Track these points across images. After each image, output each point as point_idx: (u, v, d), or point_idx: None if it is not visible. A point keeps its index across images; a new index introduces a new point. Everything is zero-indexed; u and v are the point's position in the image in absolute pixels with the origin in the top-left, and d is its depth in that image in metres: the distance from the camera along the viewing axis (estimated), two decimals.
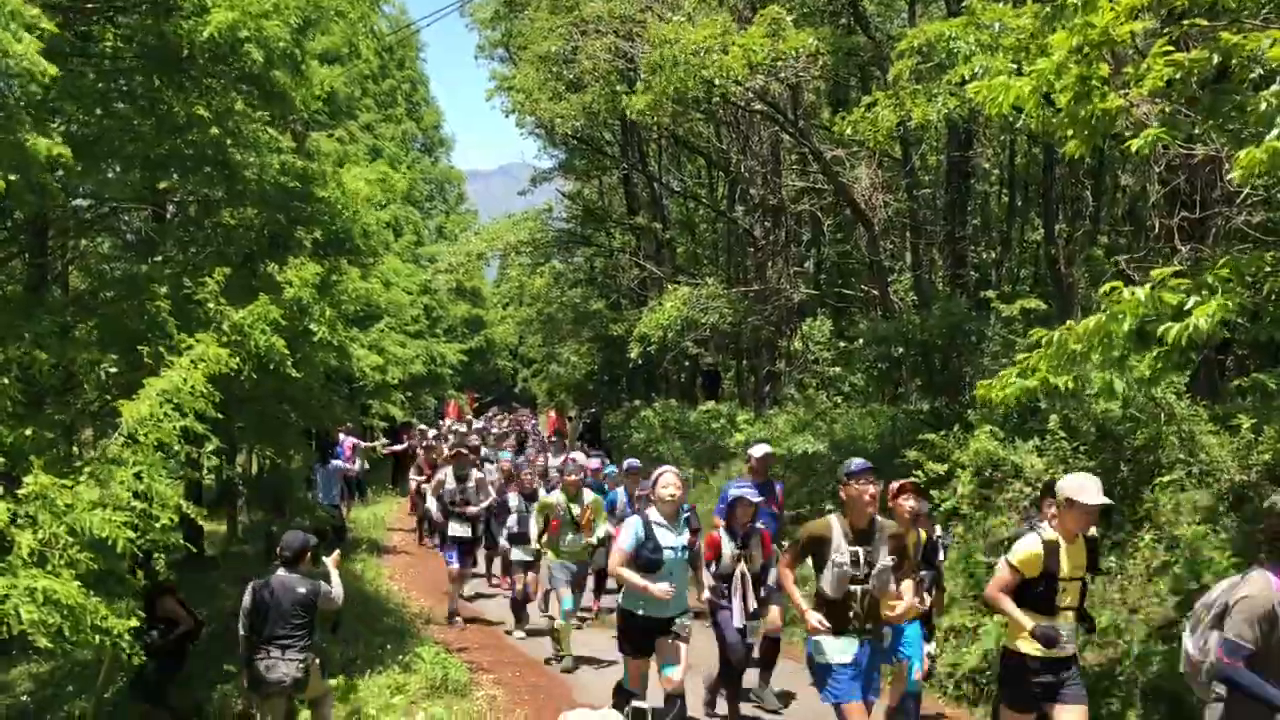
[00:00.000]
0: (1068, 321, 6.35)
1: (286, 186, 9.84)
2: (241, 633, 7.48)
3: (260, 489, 18.76)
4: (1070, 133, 6.30)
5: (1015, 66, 8.60)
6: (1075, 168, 16.08)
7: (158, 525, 6.62)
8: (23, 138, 6.66)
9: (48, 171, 6.99)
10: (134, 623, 6.42)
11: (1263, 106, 5.31)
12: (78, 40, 8.50)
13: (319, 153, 10.87)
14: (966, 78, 9.04)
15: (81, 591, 5.91)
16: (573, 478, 10.92)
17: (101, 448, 6.88)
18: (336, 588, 7.73)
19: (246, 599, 7.48)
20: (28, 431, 6.65)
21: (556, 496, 10.75)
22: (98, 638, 6.08)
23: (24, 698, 13.29)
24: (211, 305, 7.96)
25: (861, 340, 14.98)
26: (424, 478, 17.02)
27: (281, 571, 7.52)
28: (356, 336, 19.54)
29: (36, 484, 5.93)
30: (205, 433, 7.12)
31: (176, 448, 6.90)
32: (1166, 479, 8.86)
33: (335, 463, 16.04)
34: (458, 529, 12.51)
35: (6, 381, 6.61)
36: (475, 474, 13.26)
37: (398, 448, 23.97)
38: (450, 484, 12.88)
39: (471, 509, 12.66)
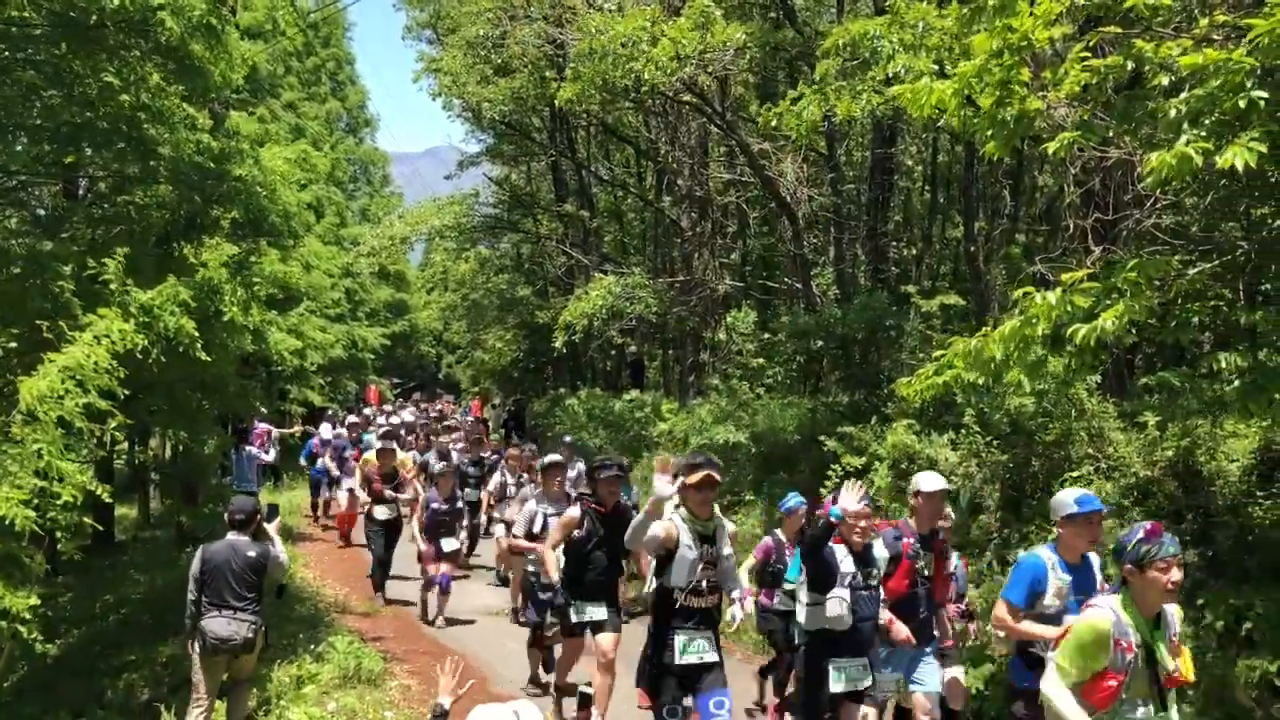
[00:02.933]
0: (984, 328, 6.47)
1: (203, 165, 9.61)
2: (191, 597, 7.48)
3: (172, 474, 18.29)
4: (990, 134, 6.39)
5: (937, 67, 8.75)
6: (995, 167, 16.39)
7: (58, 504, 6.44)
8: None
9: None
10: (35, 601, 6.24)
11: (1172, 113, 5.44)
12: None
13: (238, 133, 10.62)
14: (890, 76, 9.15)
15: None
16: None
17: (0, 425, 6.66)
18: (282, 553, 7.87)
19: (195, 563, 7.51)
20: None
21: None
22: None
23: None
24: (115, 285, 7.72)
25: (783, 333, 15.10)
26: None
27: (231, 535, 7.60)
28: (274, 320, 19.16)
29: None
30: (109, 409, 6.94)
31: (79, 425, 6.72)
32: (1075, 474, 9.07)
33: (250, 448, 15.72)
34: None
35: None
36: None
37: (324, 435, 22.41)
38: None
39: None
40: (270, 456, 16.90)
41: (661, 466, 5.89)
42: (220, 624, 7.34)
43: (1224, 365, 6.65)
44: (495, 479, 13.38)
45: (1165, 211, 8.92)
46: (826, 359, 14.83)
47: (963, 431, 10.52)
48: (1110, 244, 9.38)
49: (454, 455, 16.01)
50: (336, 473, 17.59)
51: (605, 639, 7.36)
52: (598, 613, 7.48)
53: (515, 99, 22.21)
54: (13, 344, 7.88)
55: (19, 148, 8.74)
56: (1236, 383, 6.38)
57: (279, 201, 10.58)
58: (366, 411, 26.36)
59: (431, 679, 8.98)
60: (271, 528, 8.13)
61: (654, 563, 6.20)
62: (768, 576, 8.29)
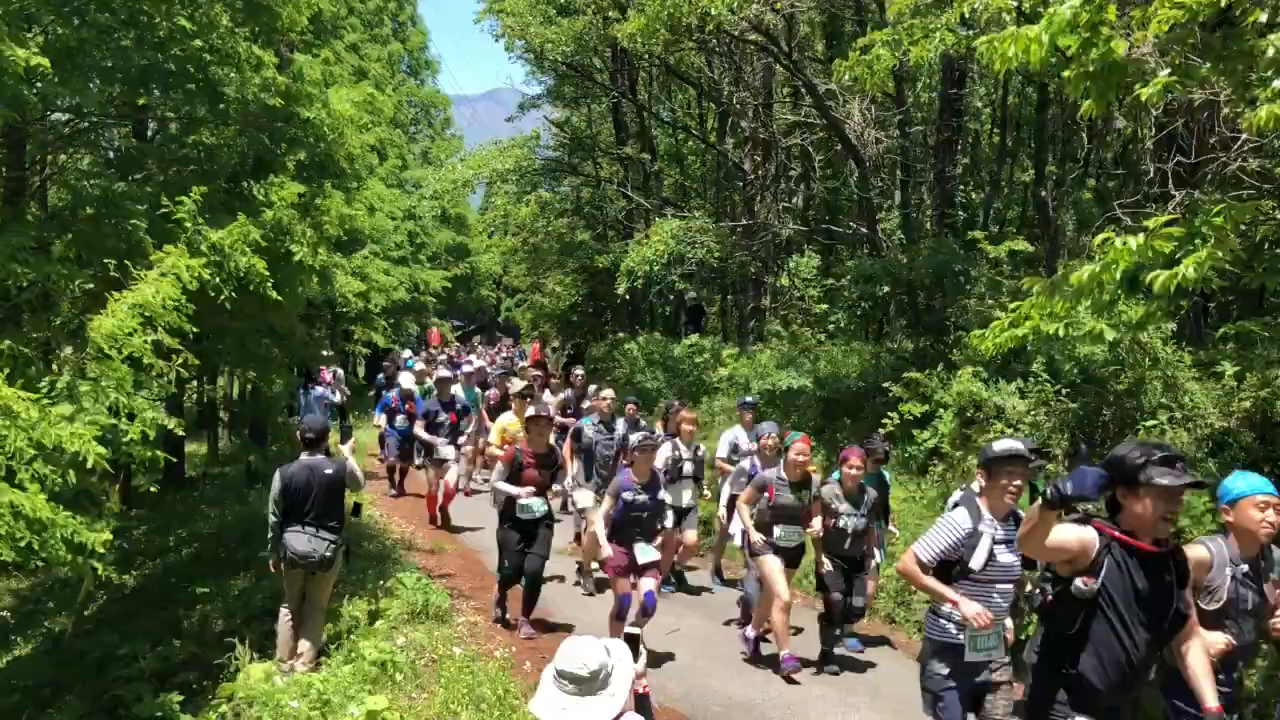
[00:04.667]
0: (1060, 270, 6.31)
1: (270, 106, 9.64)
2: (272, 519, 7.73)
3: (241, 413, 18.71)
4: (1083, 91, 6.15)
5: (1015, 3, 8.46)
6: (1068, 109, 15.95)
7: (127, 439, 6.58)
8: None
9: (24, 83, 6.81)
10: (107, 536, 6.42)
11: (1270, 51, 5.22)
12: None
13: (304, 77, 10.63)
14: (966, 16, 8.87)
15: (51, 507, 5.87)
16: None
17: (72, 362, 6.81)
18: (357, 469, 8.14)
19: (275, 484, 7.73)
20: (2, 345, 6.55)
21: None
22: (70, 554, 6.07)
23: (4, 612, 13.38)
24: (189, 224, 7.82)
25: (848, 278, 14.92)
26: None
27: (305, 455, 7.83)
28: (340, 262, 19.34)
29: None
30: (178, 347, 7.06)
31: (148, 361, 6.84)
32: (1149, 424, 8.90)
33: (318, 389, 15.98)
34: None
35: None
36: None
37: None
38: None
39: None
40: (338, 397, 17.16)
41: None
42: (301, 540, 7.61)
43: None
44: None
45: (1251, 155, 8.61)
46: (891, 305, 14.64)
47: (1031, 380, 10.36)
48: (1192, 188, 9.10)
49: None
50: (429, 438, 13.30)
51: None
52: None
53: (577, 40, 22.00)
54: (89, 285, 8.03)
55: (92, 89, 8.82)
56: None
57: (345, 144, 10.61)
58: (441, 359, 26.20)
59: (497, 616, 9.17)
60: (346, 448, 8.46)
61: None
62: None
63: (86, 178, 10.66)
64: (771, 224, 18.90)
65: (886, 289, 13.87)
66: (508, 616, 9.07)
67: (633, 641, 5.94)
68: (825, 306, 15.54)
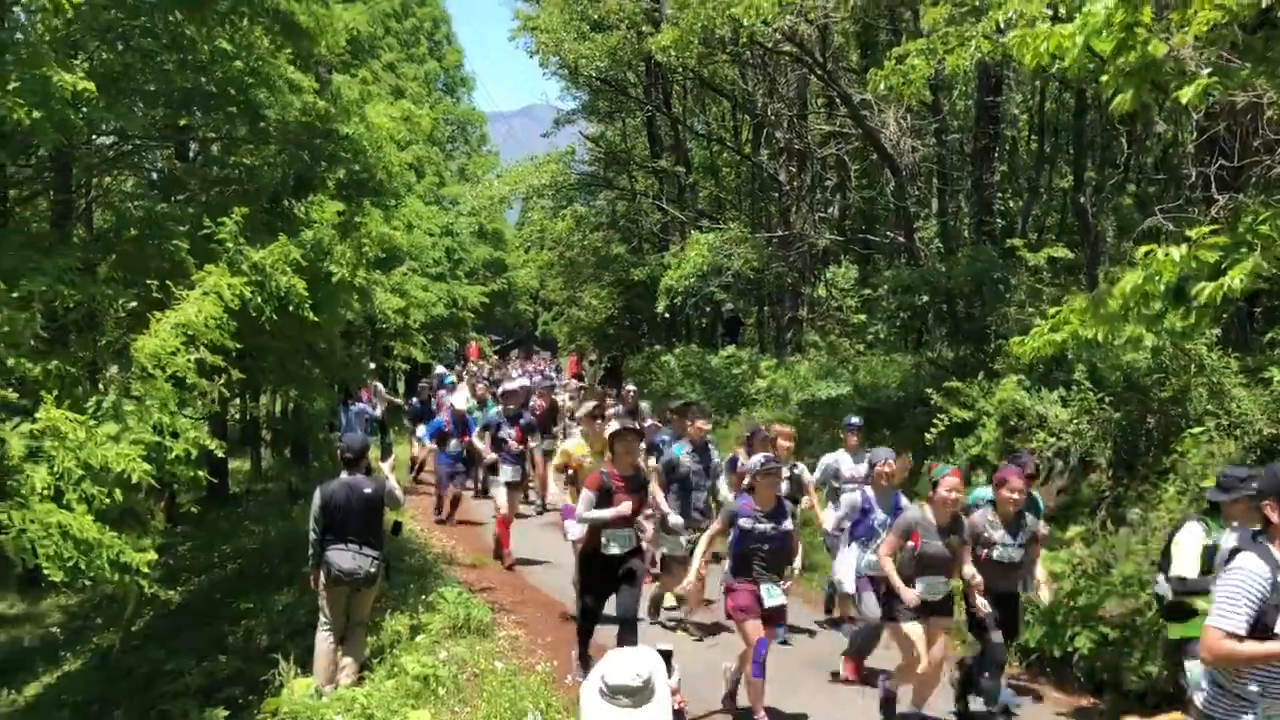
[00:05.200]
0: (1101, 278, 6.24)
1: (310, 125, 9.76)
2: (313, 535, 7.77)
3: (283, 430, 18.91)
4: (1117, 88, 6.09)
5: (1051, 12, 8.40)
6: (1107, 114, 15.80)
7: (170, 457, 6.66)
8: (46, 73, 6.60)
9: (71, 107, 6.94)
10: (152, 556, 6.50)
11: None
12: None
13: (342, 97, 10.77)
14: (1001, 24, 8.82)
15: (98, 527, 5.95)
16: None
17: (118, 382, 6.91)
18: (396, 488, 8.17)
19: (316, 502, 7.76)
20: (50, 365, 6.67)
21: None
22: (116, 574, 6.15)
23: (54, 629, 13.59)
24: (231, 245, 7.93)
25: (886, 287, 14.85)
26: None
27: (345, 474, 7.83)
28: (379, 280, 19.52)
29: (47, 417, 5.97)
30: (221, 365, 7.15)
31: (191, 380, 6.93)
32: (1195, 431, 8.77)
33: (357, 404, 16.12)
34: None
35: (28, 316, 6.62)
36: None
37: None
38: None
39: None
40: (378, 410, 17.28)
41: None
42: (345, 557, 7.61)
43: None
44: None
45: None
46: (930, 314, 14.54)
47: (1074, 388, 10.24)
48: (1235, 192, 8.97)
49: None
50: (482, 447, 12.27)
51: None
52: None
53: (611, 55, 22.11)
54: (132, 303, 8.17)
55: (136, 112, 8.99)
56: None
57: (384, 159, 10.71)
58: (477, 371, 26.14)
59: (539, 630, 9.19)
60: (386, 465, 8.53)
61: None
62: None
63: (131, 199, 10.85)
64: (808, 234, 18.86)
65: (925, 298, 13.78)
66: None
67: (666, 656, 5.82)
68: (864, 317, 15.48)
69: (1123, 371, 10.17)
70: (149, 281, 7.66)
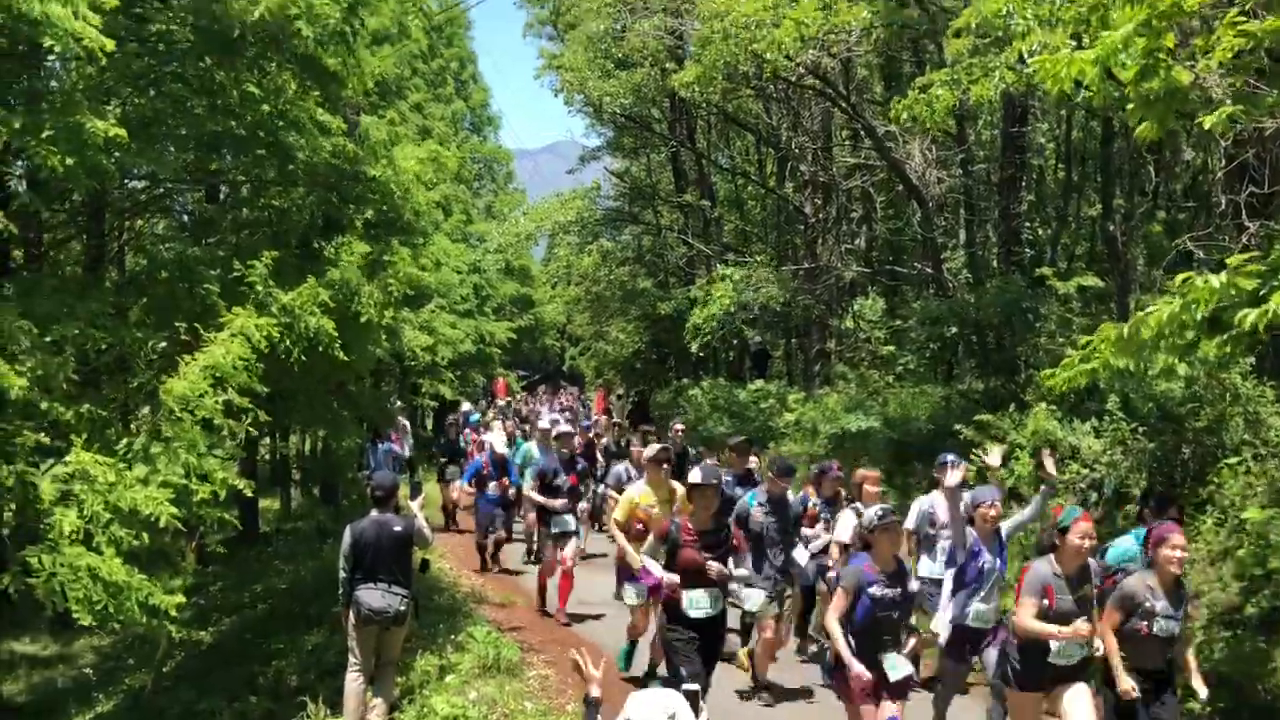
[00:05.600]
0: (1132, 307, 6.17)
1: (339, 167, 9.87)
2: (343, 574, 7.77)
3: (312, 470, 18.98)
4: (1141, 115, 6.06)
5: (1075, 43, 8.39)
6: (1135, 142, 15.71)
7: (196, 500, 6.69)
8: (80, 120, 6.71)
9: (104, 153, 7.05)
10: (180, 600, 6.51)
11: None
12: (133, 22, 8.55)
13: (370, 138, 10.89)
14: (1025, 54, 8.83)
15: (127, 570, 5.98)
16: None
17: (147, 424, 6.96)
18: (425, 527, 8.17)
19: (346, 541, 7.78)
20: (82, 409, 6.72)
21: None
22: (145, 616, 6.16)
23: (86, 670, 13.63)
24: (260, 288, 8.00)
25: (914, 319, 14.78)
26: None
27: (375, 513, 7.84)
28: (407, 318, 19.61)
29: (77, 461, 6.02)
30: (248, 406, 7.18)
31: (219, 422, 6.96)
32: (1231, 461, 8.64)
33: (386, 444, 16.18)
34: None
35: (61, 360, 6.69)
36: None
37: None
38: None
39: None
40: (405, 450, 17.33)
41: None
42: (375, 596, 7.60)
43: None
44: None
45: None
46: (960, 345, 14.45)
47: (1106, 418, 10.13)
48: (1266, 219, 8.89)
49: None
50: (541, 499, 10.96)
51: None
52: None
53: (635, 92, 22.27)
54: (162, 345, 8.25)
55: (167, 156, 9.12)
56: None
57: (411, 201, 10.80)
58: (503, 407, 25.98)
59: (569, 669, 9.10)
60: (415, 504, 8.48)
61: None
62: None
63: (162, 241, 10.99)
64: (834, 266, 18.84)
65: (954, 329, 13.70)
66: None
67: (693, 699, 5.57)
68: (892, 348, 15.40)
69: (1156, 401, 10.05)
70: (178, 324, 7.73)
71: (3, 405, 6.46)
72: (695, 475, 6.97)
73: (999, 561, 7.00)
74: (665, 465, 8.77)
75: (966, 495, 7.39)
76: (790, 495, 8.71)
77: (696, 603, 6.75)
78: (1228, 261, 5.41)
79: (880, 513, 6.22)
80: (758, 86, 19.21)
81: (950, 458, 8.67)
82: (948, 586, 7.16)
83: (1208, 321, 5.61)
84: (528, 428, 16.47)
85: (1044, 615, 5.76)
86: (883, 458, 13.88)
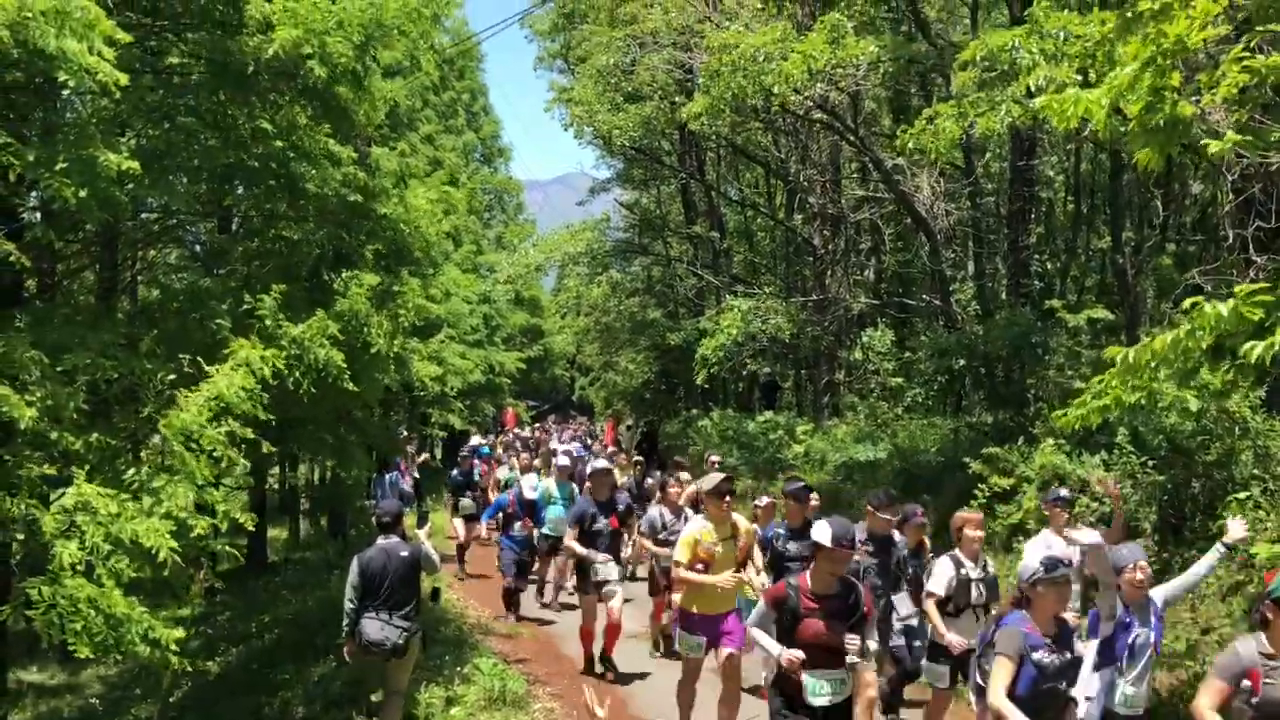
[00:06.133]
0: (1142, 339, 6.16)
1: (349, 201, 9.95)
2: (350, 605, 7.77)
3: (320, 499, 18.95)
4: (1142, 143, 6.11)
5: (1080, 77, 8.45)
6: (1143, 175, 15.77)
7: (192, 535, 6.69)
8: (93, 153, 6.78)
9: (117, 185, 7.12)
10: (180, 634, 6.51)
11: None
12: (147, 56, 8.67)
13: (380, 169, 11.00)
14: (1031, 89, 8.88)
15: (128, 602, 5.98)
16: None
17: (151, 456, 6.98)
18: (433, 553, 8.14)
19: (353, 571, 7.79)
20: (91, 439, 6.75)
21: None
22: (146, 648, 6.16)
23: (93, 700, 13.60)
24: (270, 321, 8.05)
25: (923, 352, 14.78)
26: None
27: (381, 540, 7.88)
28: (416, 348, 19.67)
29: (78, 494, 6.04)
30: (254, 437, 7.20)
31: (220, 453, 6.97)
32: (1240, 495, 8.59)
33: (391, 474, 16.18)
34: None
35: (71, 390, 6.72)
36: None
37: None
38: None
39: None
40: (408, 483, 17.29)
41: None
42: (374, 627, 7.61)
43: None
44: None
45: None
46: (969, 378, 14.43)
47: (1115, 451, 10.09)
48: (1274, 254, 8.89)
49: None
50: (585, 552, 9.88)
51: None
52: None
53: (645, 124, 22.42)
54: (171, 377, 8.29)
55: (180, 188, 9.21)
56: None
57: (421, 236, 10.88)
58: (509, 439, 25.69)
59: (575, 700, 9.08)
60: (422, 533, 8.52)
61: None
62: None
63: (175, 271, 11.07)
64: (843, 298, 18.87)
65: (963, 362, 13.70)
66: None
67: None
68: (901, 381, 15.40)
69: (1165, 435, 10.02)
70: (182, 356, 7.76)
71: (11, 435, 6.50)
72: (823, 533, 5.57)
73: (1153, 634, 5.81)
74: (728, 498, 7.68)
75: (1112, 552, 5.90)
76: (892, 536, 7.88)
77: (819, 689, 5.55)
78: (1235, 290, 5.42)
79: (1046, 564, 5.32)
80: (766, 119, 19.34)
81: (1062, 494, 8.11)
82: (1090, 660, 5.81)
83: (1212, 350, 5.61)
84: (538, 460, 15.20)
85: (1248, 703, 4.64)
86: (892, 488, 13.87)
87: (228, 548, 7.34)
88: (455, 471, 16.45)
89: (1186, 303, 5.74)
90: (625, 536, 10.50)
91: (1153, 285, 17.03)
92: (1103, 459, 10.24)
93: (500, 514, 13.24)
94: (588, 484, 10.58)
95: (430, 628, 10.87)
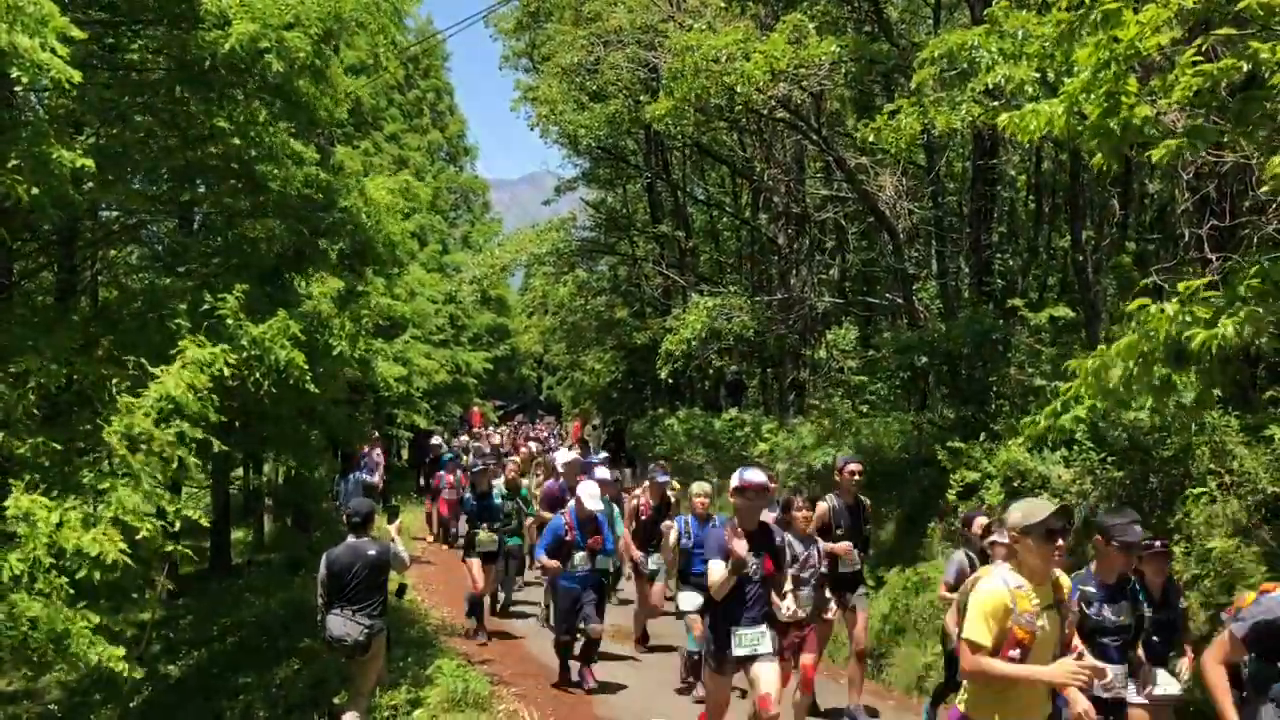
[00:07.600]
0: (1100, 346, 6.22)
1: (311, 197, 9.88)
2: (319, 601, 7.87)
3: (285, 500, 18.76)
4: (1096, 144, 6.19)
5: (1039, 75, 8.52)
6: (1102, 175, 15.92)
7: (138, 536, 6.60)
8: (47, 151, 6.70)
9: (72, 184, 7.03)
10: (121, 652, 6.41)
11: None
12: (106, 53, 8.57)
13: (343, 167, 10.93)
14: (990, 86, 8.95)
15: (69, 614, 5.89)
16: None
17: (98, 461, 6.89)
18: (402, 550, 8.23)
19: (322, 569, 7.86)
20: (38, 441, 6.65)
21: None
22: (94, 657, 6.08)
23: (52, 706, 13.43)
24: (231, 321, 7.98)
25: (886, 349, 14.87)
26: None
27: (351, 538, 7.94)
28: (380, 348, 19.54)
29: (16, 506, 5.94)
30: (201, 437, 7.13)
31: (169, 454, 6.89)
32: (1197, 491, 8.71)
33: (357, 474, 16.09)
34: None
35: (20, 393, 6.63)
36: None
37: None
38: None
39: None
40: (376, 478, 17.19)
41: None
42: (337, 623, 7.67)
43: None
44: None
45: None
46: (931, 375, 14.53)
47: (1076, 448, 10.19)
48: (1229, 252, 9.01)
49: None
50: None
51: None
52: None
53: (610, 124, 22.40)
54: (128, 381, 8.18)
55: (136, 186, 9.11)
56: None
57: (384, 231, 10.81)
58: (472, 442, 25.48)
59: (538, 703, 9.05)
60: (392, 529, 8.56)
61: None
62: None
63: (135, 272, 10.94)
64: (807, 297, 18.93)
65: (926, 359, 13.78)
66: None
67: None
68: (864, 378, 15.48)
69: (1125, 430, 10.13)
70: (130, 358, 7.65)
71: None
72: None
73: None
74: (1060, 541, 5.36)
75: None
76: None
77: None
78: (1179, 287, 5.49)
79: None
80: (730, 119, 19.37)
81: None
82: None
83: (1172, 353, 5.67)
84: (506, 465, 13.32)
85: None
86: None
87: (186, 550, 7.23)
88: (469, 494, 12.22)
89: (1133, 305, 5.80)
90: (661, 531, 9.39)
91: (1113, 283, 17.21)
92: (1063, 455, 10.34)
93: (559, 544, 9.35)
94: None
95: (394, 628, 10.83)
